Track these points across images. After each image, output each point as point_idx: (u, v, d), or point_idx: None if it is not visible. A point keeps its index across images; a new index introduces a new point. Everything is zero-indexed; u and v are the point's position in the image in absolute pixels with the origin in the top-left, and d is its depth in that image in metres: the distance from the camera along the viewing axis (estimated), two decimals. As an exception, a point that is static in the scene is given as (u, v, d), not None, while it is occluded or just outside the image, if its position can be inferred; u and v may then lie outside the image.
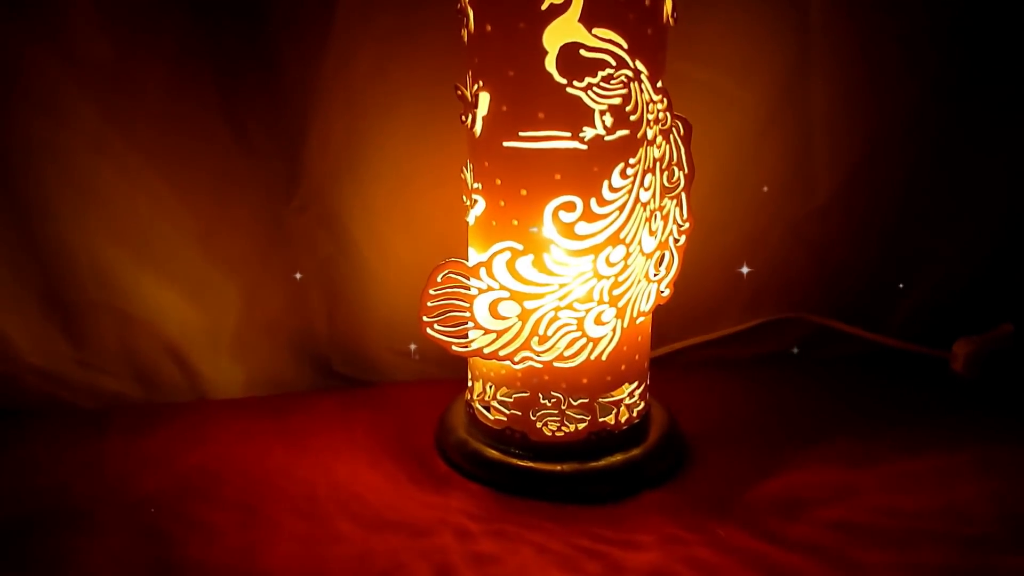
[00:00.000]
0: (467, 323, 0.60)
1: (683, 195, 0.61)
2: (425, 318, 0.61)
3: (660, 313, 0.64)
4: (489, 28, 0.55)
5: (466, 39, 0.58)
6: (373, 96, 0.71)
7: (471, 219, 0.62)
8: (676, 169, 0.60)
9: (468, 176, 0.61)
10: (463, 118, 0.59)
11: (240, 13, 0.68)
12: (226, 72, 0.69)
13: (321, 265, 0.75)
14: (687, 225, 0.62)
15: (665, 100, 0.58)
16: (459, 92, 0.59)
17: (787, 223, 0.80)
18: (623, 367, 0.63)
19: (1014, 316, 0.81)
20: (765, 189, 0.79)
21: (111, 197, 0.69)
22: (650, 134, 0.57)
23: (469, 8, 0.57)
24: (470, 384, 0.67)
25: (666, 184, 0.60)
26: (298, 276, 0.75)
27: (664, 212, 0.60)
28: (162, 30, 0.67)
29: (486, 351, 0.60)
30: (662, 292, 0.63)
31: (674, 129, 0.59)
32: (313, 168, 0.72)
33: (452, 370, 0.76)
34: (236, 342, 0.76)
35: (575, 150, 0.56)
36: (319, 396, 0.76)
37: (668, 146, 0.59)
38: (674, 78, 0.61)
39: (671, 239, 0.62)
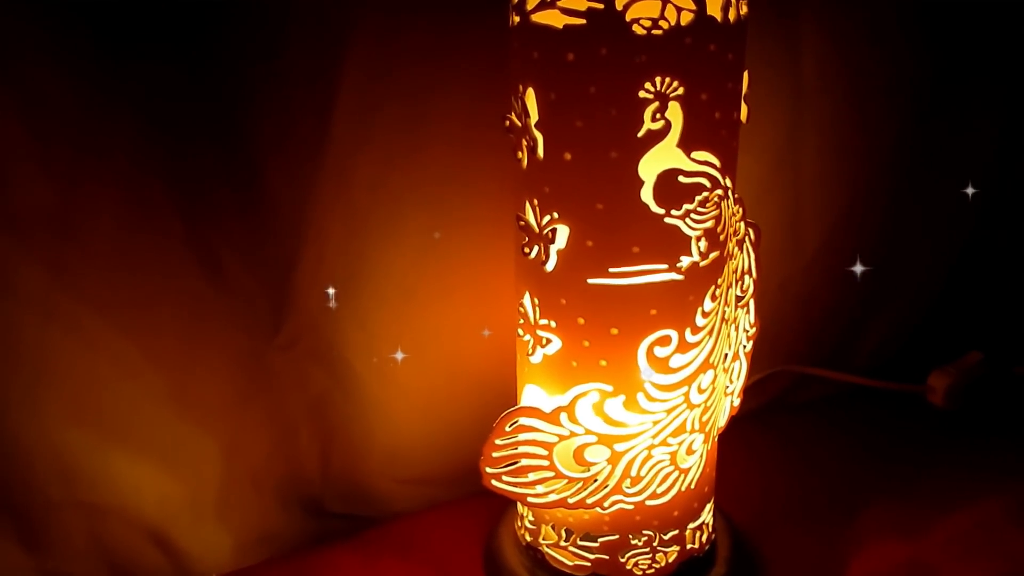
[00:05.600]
0: (542, 471, 0.54)
1: (751, 301, 0.57)
2: (489, 469, 0.54)
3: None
4: (568, 156, 0.48)
5: (525, 163, 0.51)
6: (374, 209, 0.61)
7: (538, 358, 0.55)
8: (747, 277, 0.56)
9: (531, 310, 0.54)
10: (526, 250, 0.52)
11: (207, 123, 0.55)
12: (191, 195, 0.57)
13: (313, 403, 0.65)
14: (754, 330, 0.59)
15: (741, 209, 0.53)
16: (522, 223, 0.52)
17: (778, 281, 0.79)
18: (706, 488, 0.59)
19: (980, 344, 0.85)
20: None
21: (67, 371, 0.56)
22: (730, 248, 0.53)
23: (536, 132, 0.49)
24: (532, 526, 0.60)
25: (739, 294, 0.56)
26: None
27: (736, 322, 0.57)
28: (111, 152, 0.53)
29: (571, 501, 0.54)
30: (734, 404, 0.60)
31: (747, 237, 0.55)
32: (303, 298, 0.62)
33: (457, 489, 0.70)
34: (220, 503, 0.64)
35: (671, 281, 0.50)
36: (332, 552, 0.65)
37: (742, 255, 0.55)
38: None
39: (740, 347, 0.58)
